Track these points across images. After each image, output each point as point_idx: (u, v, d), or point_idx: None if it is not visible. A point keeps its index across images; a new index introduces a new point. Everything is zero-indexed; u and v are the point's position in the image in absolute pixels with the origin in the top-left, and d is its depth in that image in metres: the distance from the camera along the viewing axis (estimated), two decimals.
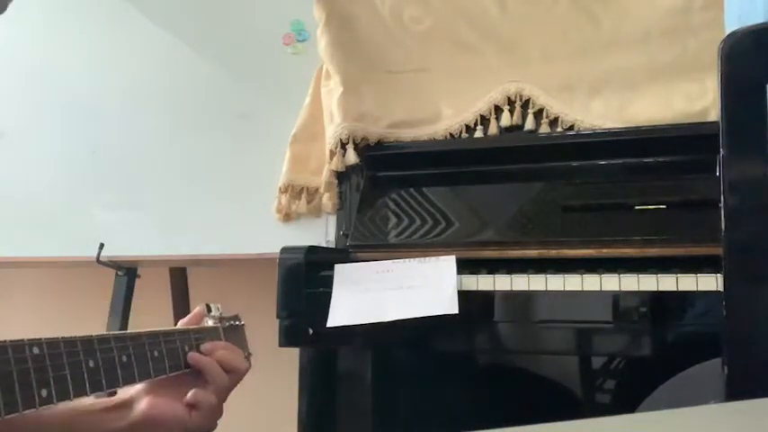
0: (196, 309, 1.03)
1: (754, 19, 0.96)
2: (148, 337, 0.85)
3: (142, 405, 0.90)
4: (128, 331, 0.84)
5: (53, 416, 0.83)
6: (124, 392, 0.91)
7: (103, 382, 0.75)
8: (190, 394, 0.91)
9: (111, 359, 0.77)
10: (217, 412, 0.94)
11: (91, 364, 0.73)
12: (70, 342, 0.71)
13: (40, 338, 0.67)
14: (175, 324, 1.01)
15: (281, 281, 1.36)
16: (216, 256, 1.79)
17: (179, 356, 0.91)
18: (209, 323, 1.03)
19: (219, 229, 1.80)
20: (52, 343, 0.68)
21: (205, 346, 0.95)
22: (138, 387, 0.91)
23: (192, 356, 0.93)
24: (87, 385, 0.72)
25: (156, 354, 0.86)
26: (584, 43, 1.53)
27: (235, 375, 0.96)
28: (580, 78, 1.52)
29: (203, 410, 0.91)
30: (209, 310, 1.04)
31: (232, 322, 1.07)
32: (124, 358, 0.79)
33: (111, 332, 0.80)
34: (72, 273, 2.30)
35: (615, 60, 1.50)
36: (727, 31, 1.05)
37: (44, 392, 0.66)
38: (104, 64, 1.97)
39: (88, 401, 0.88)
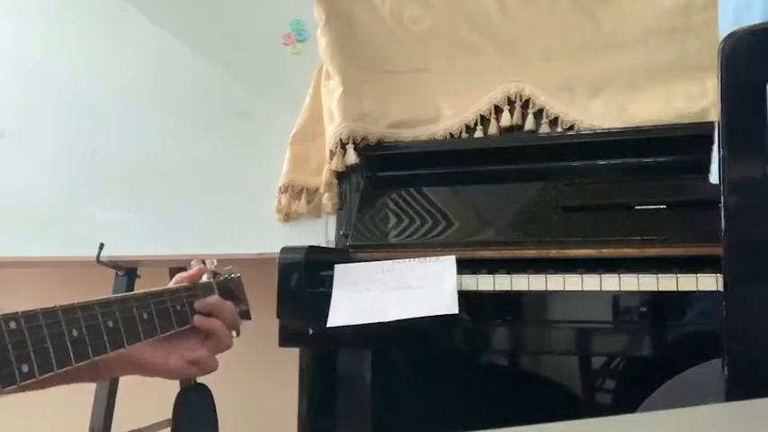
0: (196, 267, 1.02)
1: (749, 18, 0.96)
2: (136, 300, 0.83)
3: None
4: (113, 296, 0.81)
5: None
6: None
7: (89, 350, 0.73)
8: (194, 354, 0.91)
9: (96, 326, 0.74)
10: (198, 368, 0.93)
11: (74, 333, 0.71)
12: (50, 313, 0.68)
13: (17, 312, 0.65)
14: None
15: (281, 281, 1.36)
16: (216, 256, 1.78)
17: (170, 316, 0.89)
18: (204, 278, 1.02)
19: (219, 229, 1.80)
20: (30, 316, 0.66)
21: (199, 305, 0.94)
22: None
23: (199, 320, 0.93)
24: (72, 355, 0.70)
25: (145, 316, 0.83)
26: (584, 43, 1.53)
27: (225, 335, 0.96)
28: (580, 78, 1.52)
29: (202, 369, 0.91)
30: (203, 264, 1.02)
31: (227, 275, 1.06)
32: (110, 323, 0.77)
33: (96, 298, 0.77)
34: (72, 273, 2.29)
35: (615, 60, 1.50)
36: (721, 30, 1.05)
37: (25, 368, 0.64)
38: (104, 64, 1.97)
39: None
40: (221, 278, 1.04)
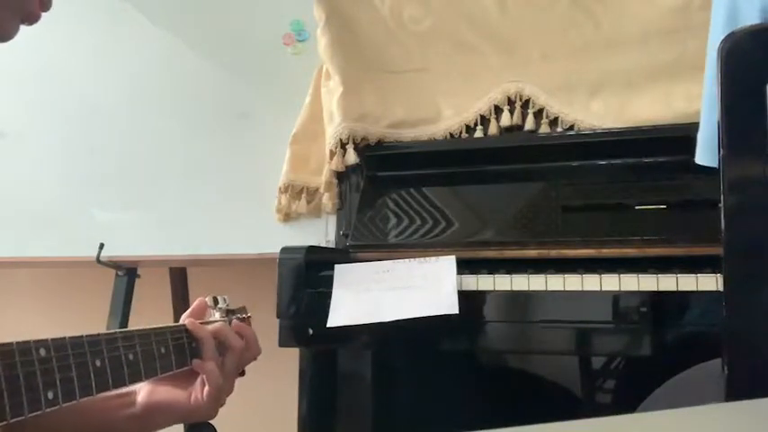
0: (197, 301, 1.02)
1: (749, 9, 0.96)
2: (156, 335, 0.85)
3: (143, 395, 0.91)
4: (135, 328, 0.83)
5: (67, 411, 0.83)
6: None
7: (110, 381, 0.74)
8: (194, 362, 0.92)
9: (117, 358, 0.76)
10: (217, 397, 0.93)
11: (98, 363, 0.72)
12: (77, 342, 0.70)
13: (47, 339, 0.66)
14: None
15: (281, 281, 1.36)
16: (216, 256, 1.79)
17: (185, 352, 0.90)
18: (216, 315, 1.02)
19: (219, 229, 1.80)
20: (59, 344, 0.67)
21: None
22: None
23: (190, 322, 0.93)
24: (93, 385, 0.71)
25: (162, 350, 0.85)
26: (584, 43, 1.53)
27: (232, 354, 0.95)
28: (580, 78, 1.52)
29: (211, 380, 0.91)
30: (216, 302, 1.03)
31: (239, 315, 1.07)
32: (131, 356, 0.78)
33: (119, 329, 0.79)
34: (72, 273, 2.30)
35: (615, 60, 1.50)
36: (712, 28, 1.05)
37: (50, 394, 0.65)
38: (104, 64, 1.97)
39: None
40: (233, 317, 1.05)
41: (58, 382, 0.66)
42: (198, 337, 0.93)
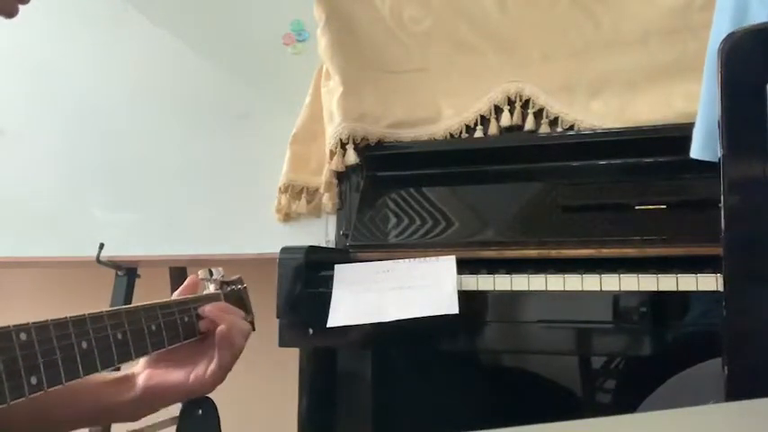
0: (189, 278, 1.01)
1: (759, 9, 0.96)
2: (145, 311, 0.83)
3: (142, 378, 0.91)
4: (123, 306, 0.81)
5: (57, 390, 0.82)
6: (128, 366, 0.90)
7: (98, 362, 0.72)
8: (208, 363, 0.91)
9: (105, 338, 0.74)
10: (219, 376, 0.93)
11: (84, 345, 0.70)
12: (61, 324, 0.67)
13: (28, 323, 0.64)
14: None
15: (281, 281, 1.36)
16: (216, 256, 1.79)
17: (177, 328, 0.89)
18: (211, 287, 1.02)
19: (219, 229, 1.80)
20: (41, 327, 0.65)
21: (203, 309, 0.94)
22: (141, 361, 0.91)
23: (204, 324, 0.93)
24: (80, 368, 0.69)
25: (153, 328, 0.83)
26: (584, 43, 1.53)
27: (238, 336, 0.95)
28: (580, 78, 1.52)
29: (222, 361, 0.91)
30: (210, 273, 1.02)
31: (234, 286, 1.06)
32: (119, 336, 0.76)
33: (105, 309, 0.76)
34: (72, 273, 2.29)
35: (615, 60, 1.50)
36: (715, 27, 1.05)
37: (33, 380, 0.63)
38: (104, 64, 1.97)
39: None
40: (228, 289, 1.04)
41: (41, 366, 0.64)
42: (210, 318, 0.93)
